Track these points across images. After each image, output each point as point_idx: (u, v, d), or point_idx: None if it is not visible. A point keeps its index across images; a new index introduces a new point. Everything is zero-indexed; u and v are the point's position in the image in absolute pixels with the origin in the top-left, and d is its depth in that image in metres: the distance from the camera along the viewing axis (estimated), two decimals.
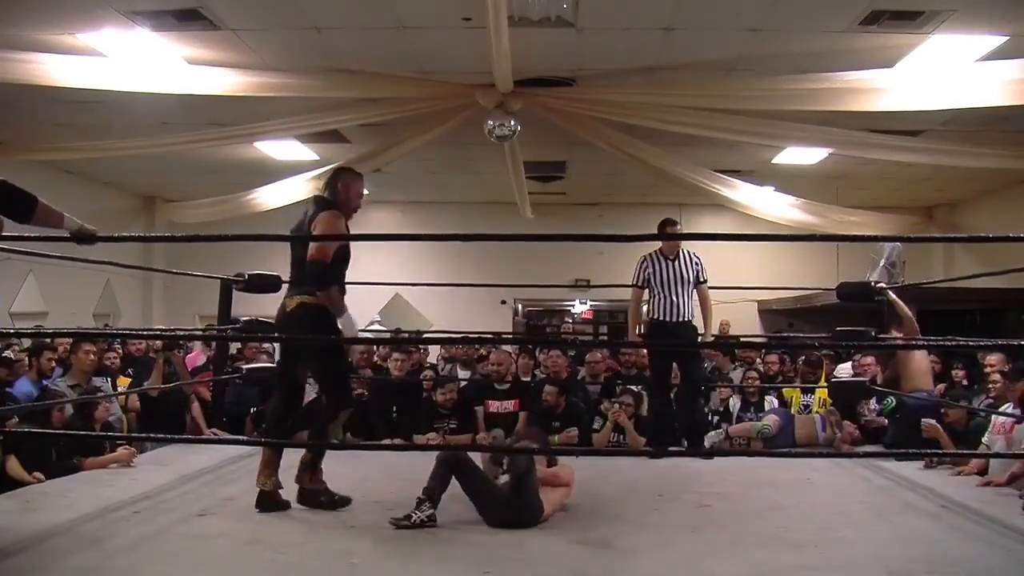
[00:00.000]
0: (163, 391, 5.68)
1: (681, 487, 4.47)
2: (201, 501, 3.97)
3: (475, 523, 3.57)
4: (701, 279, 5.74)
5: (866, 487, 4.57)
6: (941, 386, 6.33)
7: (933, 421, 5.07)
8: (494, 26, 5.11)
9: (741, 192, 9.21)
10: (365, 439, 5.73)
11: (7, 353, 5.96)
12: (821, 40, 5.84)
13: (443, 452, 3.75)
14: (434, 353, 8.65)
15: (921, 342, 5.74)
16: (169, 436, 5.09)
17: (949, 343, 6.01)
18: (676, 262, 5.70)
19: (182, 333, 7.21)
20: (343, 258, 3.90)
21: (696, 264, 5.74)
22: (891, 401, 5.38)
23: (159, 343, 5.65)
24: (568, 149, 9.11)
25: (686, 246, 5.86)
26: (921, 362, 5.57)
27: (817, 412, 6.33)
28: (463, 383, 6.41)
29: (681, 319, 5.65)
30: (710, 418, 6.45)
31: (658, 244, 5.74)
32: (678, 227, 5.85)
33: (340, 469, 4.57)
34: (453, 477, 3.62)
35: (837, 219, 9.51)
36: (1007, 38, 5.55)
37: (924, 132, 7.75)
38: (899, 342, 5.60)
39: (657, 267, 5.70)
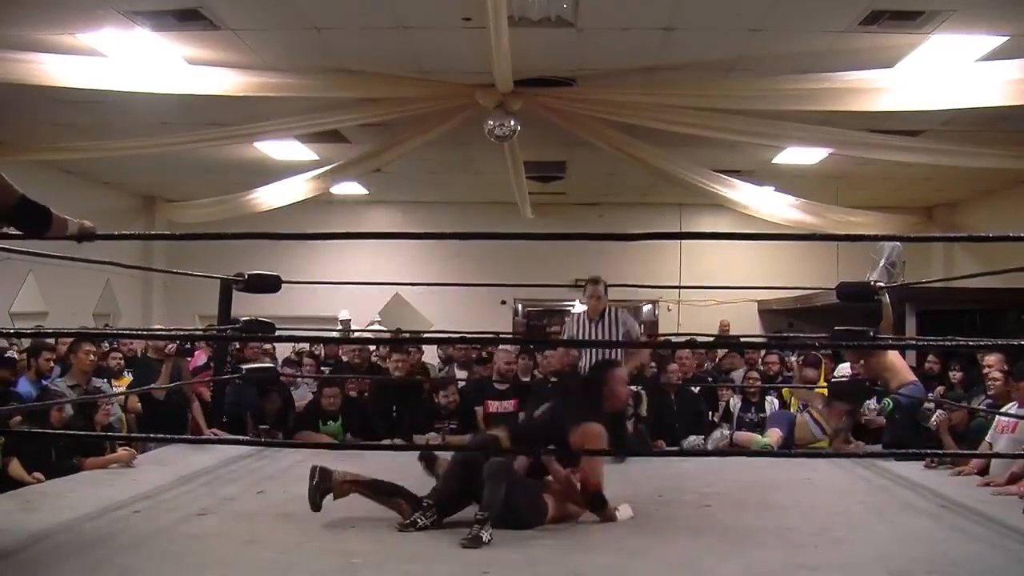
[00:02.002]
0: (164, 391, 5.67)
1: (681, 487, 4.47)
2: (201, 501, 3.97)
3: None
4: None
5: (866, 487, 4.58)
6: (941, 388, 6.33)
7: (945, 414, 5.08)
8: (494, 26, 5.10)
9: (741, 192, 9.20)
10: (365, 439, 5.74)
11: (10, 353, 5.95)
12: (821, 40, 5.84)
13: (459, 452, 3.68)
14: (434, 353, 8.65)
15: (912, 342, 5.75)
16: (169, 436, 5.09)
17: (949, 343, 6.01)
18: (599, 324, 5.55)
19: (182, 333, 7.19)
20: None
21: (623, 325, 5.55)
22: (889, 403, 5.40)
23: (168, 347, 5.63)
24: (568, 149, 9.10)
25: (618, 305, 5.70)
26: (896, 358, 5.66)
27: (807, 410, 6.33)
28: (462, 384, 6.41)
29: None
30: (711, 418, 6.47)
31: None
32: (599, 286, 5.60)
33: (340, 469, 4.57)
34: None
35: (837, 219, 9.49)
36: (1007, 38, 5.54)
37: (924, 132, 7.74)
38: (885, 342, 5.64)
39: (580, 328, 5.60)
